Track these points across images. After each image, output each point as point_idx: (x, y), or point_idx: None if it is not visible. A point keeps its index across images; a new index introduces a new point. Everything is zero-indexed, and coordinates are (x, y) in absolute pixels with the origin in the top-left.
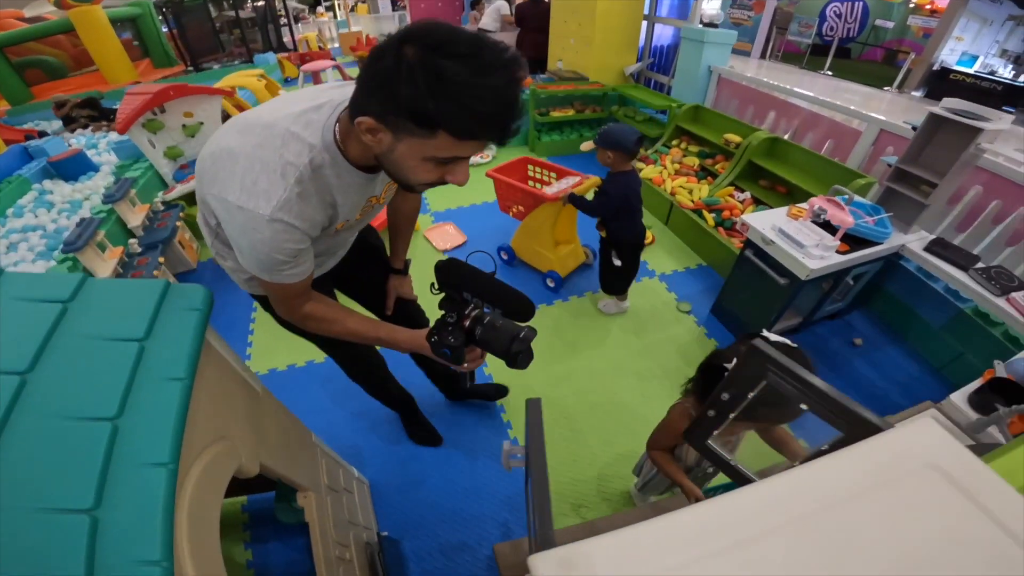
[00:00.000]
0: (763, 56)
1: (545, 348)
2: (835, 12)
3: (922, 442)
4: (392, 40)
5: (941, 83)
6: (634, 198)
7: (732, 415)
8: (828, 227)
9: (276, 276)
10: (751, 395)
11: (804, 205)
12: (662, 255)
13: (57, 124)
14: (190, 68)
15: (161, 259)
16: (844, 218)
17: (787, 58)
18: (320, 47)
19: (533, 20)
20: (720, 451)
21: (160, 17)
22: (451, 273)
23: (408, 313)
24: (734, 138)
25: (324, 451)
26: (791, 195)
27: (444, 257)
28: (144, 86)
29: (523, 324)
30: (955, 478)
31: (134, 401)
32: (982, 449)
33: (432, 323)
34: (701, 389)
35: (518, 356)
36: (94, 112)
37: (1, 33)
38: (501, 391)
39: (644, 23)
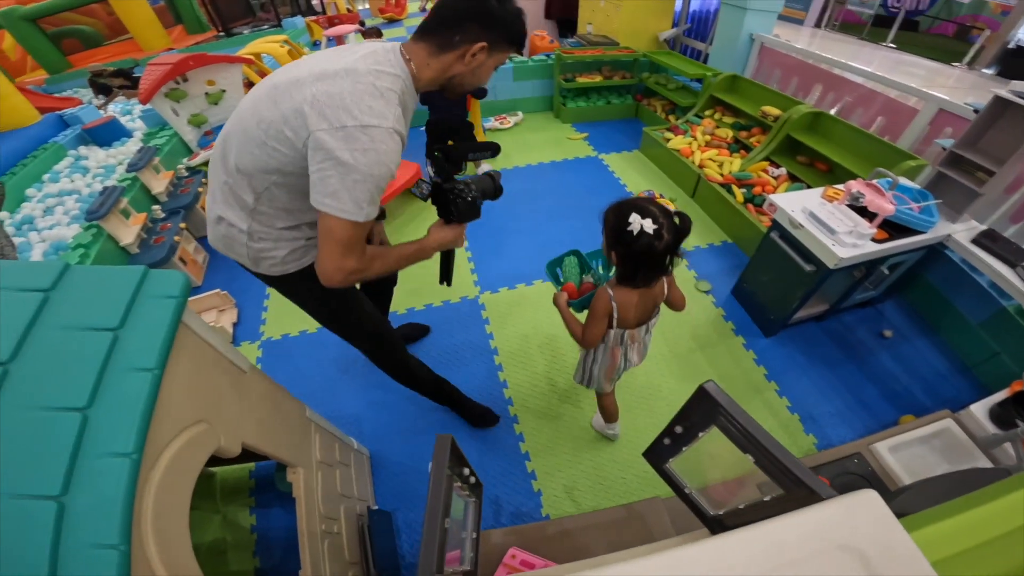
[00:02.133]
0: (818, 25)
1: (554, 315)
2: None
3: (854, 521)
4: (473, 3)
5: (1017, 61)
6: None
7: (685, 448)
8: (865, 212)
9: (367, 210)
10: (700, 436)
11: (841, 187)
12: None
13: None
14: (221, 34)
15: (183, 224)
16: (883, 205)
17: (845, 28)
18: (348, 10)
19: None
20: (677, 477)
21: None
22: (453, 158)
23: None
24: (773, 111)
25: (319, 425)
26: (832, 173)
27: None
28: (165, 56)
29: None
30: (871, 563)
31: (104, 391)
32: (984, 477)
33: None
34: (620, 271)
35: (502, 189)
36: (127, 81)
37: (36, 4)
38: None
39: None
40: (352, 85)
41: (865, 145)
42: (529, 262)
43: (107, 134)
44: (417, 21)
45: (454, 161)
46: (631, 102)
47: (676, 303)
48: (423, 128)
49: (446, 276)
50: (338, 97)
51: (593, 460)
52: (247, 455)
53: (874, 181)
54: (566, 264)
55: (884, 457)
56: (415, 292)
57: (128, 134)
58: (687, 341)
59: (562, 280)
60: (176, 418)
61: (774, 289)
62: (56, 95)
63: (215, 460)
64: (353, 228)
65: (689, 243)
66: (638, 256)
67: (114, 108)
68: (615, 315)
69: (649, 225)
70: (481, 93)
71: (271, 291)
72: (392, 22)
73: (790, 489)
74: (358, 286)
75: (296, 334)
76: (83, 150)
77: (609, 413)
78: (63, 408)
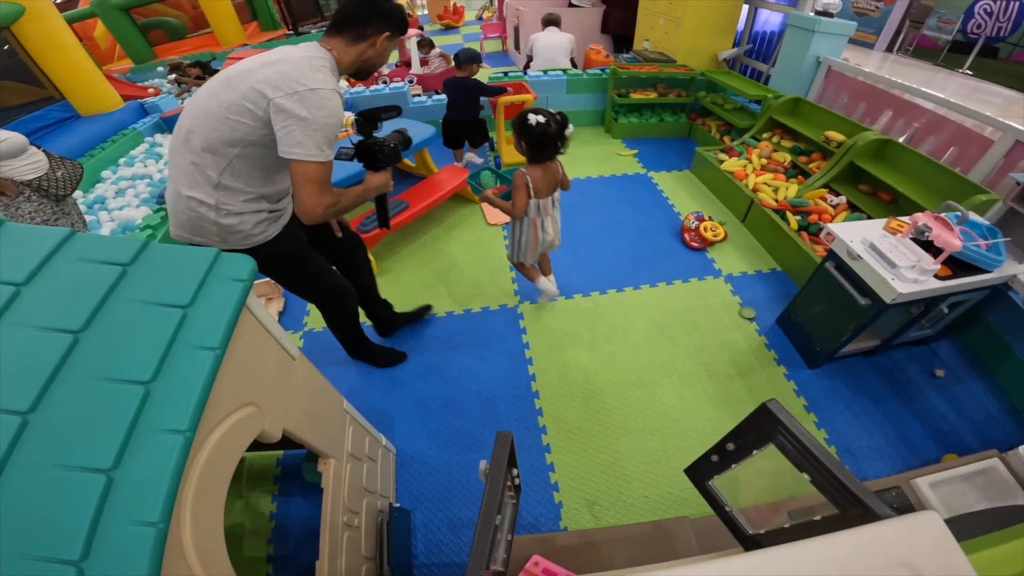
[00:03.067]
0: (889, 49)
1: (592, 330)
2: (985, 10)
3: (914, 540)
4: (368, 2)
5: None
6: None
7: (735, 465)
8: (930, 247)
9: (327, 152)
10: (754, 453)
11: (906, 219)
12: (732, 254)
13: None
14: (291, 32)
15: None
16: (950, 240)
17: (919, 53)
18: (409, 14)
19: None
20: (719, 495)
21: None
22: (369, 118)
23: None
24: (836, 136)
25: (354, 418)
26: (895, 204)
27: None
28: (238, 52)
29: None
30: None
31: (168, 367)
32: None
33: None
34: (528, 153)
35: (411, 140)
36: (203, 74)
37: None
38: (424, 310)
39: (745, 7)
40: (293, 65)
41: (934, 176)
42: (570, 276)
43: None
44: (473, 29)
45: (371, 119)
46: (685, 121)
47: (565, 182)
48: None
49: (383, 220)
50: (285, 74)
51: (618, 477)
52: (278, 442)
53: (942, 214)
54: (483, 176)
55: (924, 492)
56: (458, 299)
57: None
58: (726, 366)
59: (482, 188)
60: (228, 399)
61: (824, 321)
62: (139, 84)
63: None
64: (320, 168)
65: (736, 268)
66: (537, 139)
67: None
68: (531, 186)
69: (540, 119)
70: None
71: None
72: (449, 29)
73: (845, 508)
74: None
75: None
76: (158, 137)
77: (532, 276)
78: (128, 381)
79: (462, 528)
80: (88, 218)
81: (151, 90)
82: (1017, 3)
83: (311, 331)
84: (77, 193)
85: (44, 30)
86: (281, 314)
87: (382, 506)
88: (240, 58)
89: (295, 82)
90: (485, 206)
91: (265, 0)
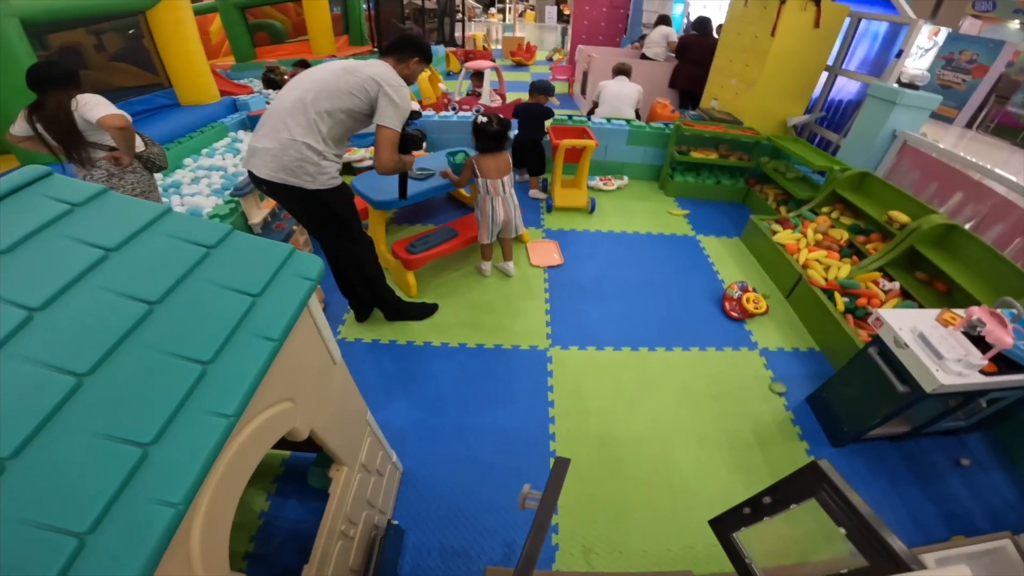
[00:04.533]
0: (969, 125)
1: (618, 383)
2: None
3: None
4: (407, 37)
5: None
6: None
7: (766, 518)
8: (980, 341)
9: (399, 126)
10: (792, 507)
11: (960, 312)
12: (772, 329)
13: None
14: (375, 49)
15: None
16: (1003, 338)
17: (1000, 131)
18: (484, 47)
19: (695, 52)
20: (742, 547)
21: None
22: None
23: None
24: (900, 217)
25: (373, 430)
26: (950, 295)
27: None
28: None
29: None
30: None
31: (228, 351)
32: None
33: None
34: (477, 144)
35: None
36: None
37: None
38: (429, 309)
39: (824, 74)
40: (385, 69)
41: (996, 268)
42: (605, 327)
43: None
44: (543, 68)
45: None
46: (742, 186)
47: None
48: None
49: (403, 192)
50: (385, 74)
51: (619, 528)
52: (286, 442)
53: (998, 310)
54: (458, 155)
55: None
56: (490, 332)
57: None
58: (747, 436)
59: (453, 163)
60: (271, 392)
61: (856, 403)
62: (236, 81)
63: None
64: (396, 135)
65: (773, 343)
66: (481, 134)
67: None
68: (476, 168)
69: (484, 119)
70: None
71: None
72: (519, 66)
73: (875, 561)
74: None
75: (369, 341)
76: (241, 134)
77: (485, 255)
78: (188, 358)
79: (452, 556)
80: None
81: (259, 90)
82: None
83: (343, 339)
84: (156, 175)
85: (173, 19)
86: None
87: (379, 521)
88: None
89: (393, 79)
90: (530, 247)
91: (359, 18)
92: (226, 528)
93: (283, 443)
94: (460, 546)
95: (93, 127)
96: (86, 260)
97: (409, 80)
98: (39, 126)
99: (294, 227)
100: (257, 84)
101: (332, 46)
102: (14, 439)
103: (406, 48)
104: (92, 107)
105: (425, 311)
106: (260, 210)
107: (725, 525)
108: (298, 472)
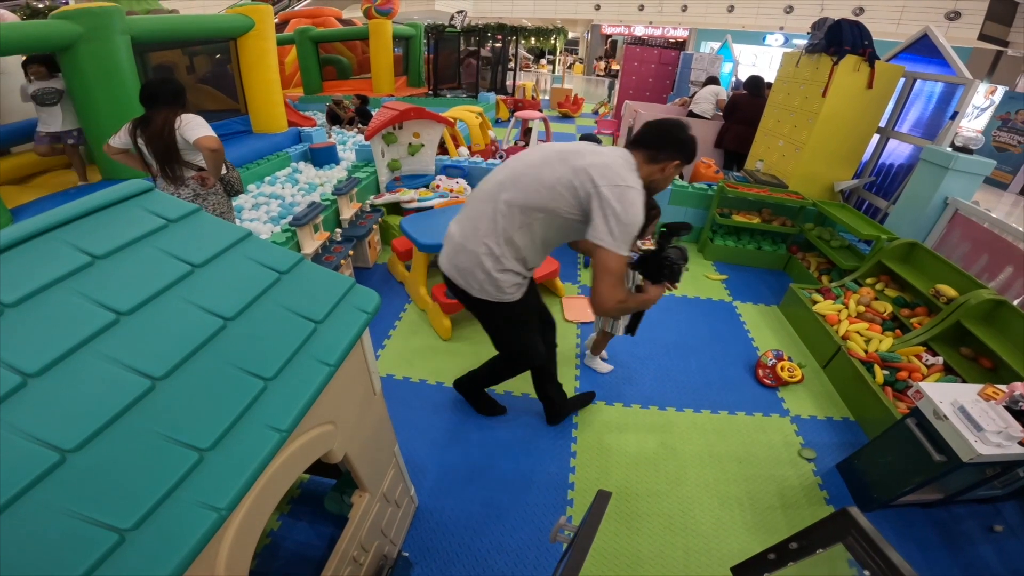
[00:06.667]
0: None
1: (643, 440)
2: None
3: None
4: (671, 130)
5: None
6: None
7: (791, 563)
8: (1022, 416)
9: (626, 249)
10: (818, 552)
11: (1003, 387)
12: (805, 397)
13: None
14: (430, 92)
15: (351, 252)
16: None
17: None
18: (533, 96)
19: (744, 112)
20: None
21: (425, 41)
22: (673, 232)
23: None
24: (948, 291)
25: (398, 462)
26: (995, 372)
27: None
28: (395, 103)
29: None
30: None
31: (289, 370)
32: None
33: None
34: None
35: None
36: (363, 106)
37: (324, 29)
38: (589, 396)
39: (876, 136)
40: (615, 161)
41: None
42: (634, 386)
43: (324, 157)
44: (588, 121)
45: (673, 233)
46: (784, 252)
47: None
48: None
49: (633, 327)
50: (610, 167)
51: None
52: (316, 466)
53: None
54: None
55: None
56: (519, 381)
57: (338, 161)
58: (771, 498)
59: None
60: (319, 413)
61: (890, 470)
62: (303, 113)
63: None
64: (621, 262)
65: (805, 411)
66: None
67: (335, 136)
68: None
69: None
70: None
71: (395, 332)
72: (565, 117)
73: None
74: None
75: (400, 378)
76: (301, 165)
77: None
78: (253, 373)
79: None
80: None
81: (316, 123)
82: None
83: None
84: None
85: (259, 49)
86: None
87: (388, 551)
88: (395, 108)
89: (618, 176)
90: (566, 302)
91: (418, 61)
92: (254, 540)
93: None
94: None
95: (189, 146)
96: (174, 273)
97: (657, 188)
98: (141, 140)
99: (342, 261)
100: (320, 117)
101: (392, 86)
102: (80, 433)
103: (667, 145)
104: (193, 127)
105: (584, 401)
106: (314, 241)
107: (748, 572)
108: (314, 496)
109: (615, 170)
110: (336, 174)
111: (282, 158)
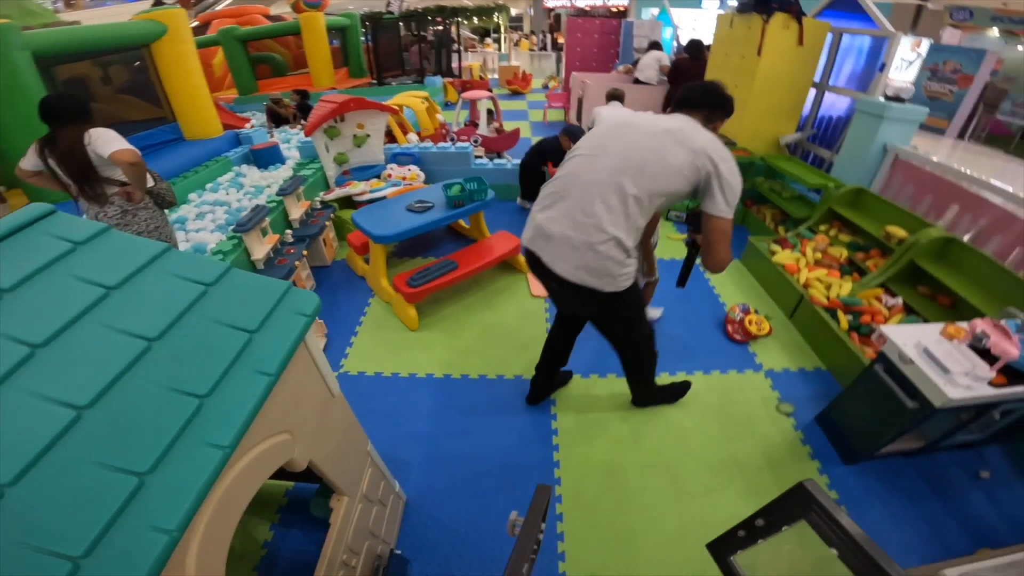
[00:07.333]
0: (961, 136)
1: (622, 410)
2: None
3: None
4: (712, 87)
5: None
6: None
7: (761, 541)
8: (987, 354)
9: (736, 201)
10: (784, 529)
11: (964, 325)
12: (776, 350)
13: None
14: (374, 81)
15: (305, 252)
16: (1008, 349)
17: (992, 140)
18: (481, 77)
19: (687, 76)
20: (740, 571)
21: (363, 30)
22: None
23: None
24: (898, 232)
25: (374, 460)
26: (955, 309)
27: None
28: (333, 95)
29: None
30: None
31: (225, 385)
32: None
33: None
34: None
35: None
36: (304, 101)
37: (250, 27)
38: (682, 389)
39: (812, 91)
40: (709, 137)
41: (997, 280)
42: (608, 355)
43: (268, 157)
44: (539, 96)
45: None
46: (739, 207)
47: None
48: None
49: (684, 280)
50: (715, 143)
51: (627, 555)
52: (289, 474)
53: (1002, 321)
54: (453, 187)
55: None
56: (493, 364)
57: (283, 161)
58: (757, 459)
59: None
60: (268, 424)
61: (867, 421)
62: (239, 114)
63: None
64: (731, 225)
65: (778, 364)
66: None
67: (278, 135)
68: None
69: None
70: None
71: (361, 328)
72: (515, 94)
73: None
74: None
75: (372, 374)
76: (244, 168)
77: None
78: (185, 392)
79: None
80: None
81: (251, 123)
82: None
83: (346, 373)
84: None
85: (177, 53)
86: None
87: (382, 551)
88: (333, 101)
89: (724, 151)
90: (531, 277)
91: (357, 50)
92: (222, 555)
93: (287, 474)
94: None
95: (105, 162)
96: (88, 298)
97: None
98: (51, 161)
99: (296, 262)
100: (259, 117)
101: (332, 78)
102: (13, 467)
103: (718, 106)
104: (105, 141)
105: (678, 392)
106: (263, 245)
107: (722, 549)
108: (302, 502)
109: (719, 146)
110: (282, 174)
111: (222, 163)
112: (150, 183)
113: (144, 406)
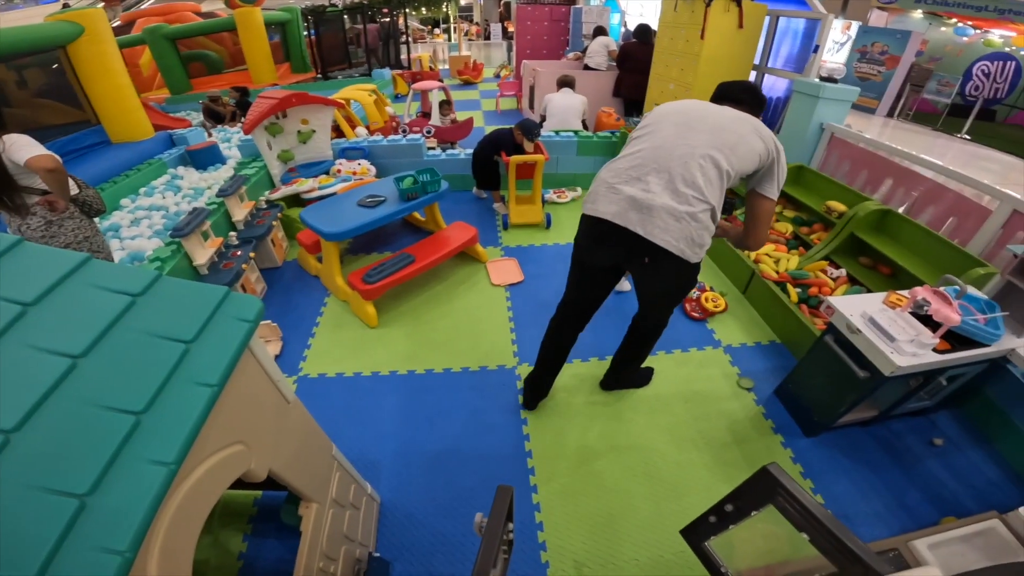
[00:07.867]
0: (891, 115)
1: (589, 394)
2: (983, 71)
3: None
4: (749, 85)
5: None
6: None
7: (732, 526)
8: (929, 321)
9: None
10: (753, 515)
11: (905, 293)
12: (732, 326)
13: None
14: (319, 76)
15: (252, 254)
16: (949, 315)
17: (919, 118)
18: (431, 67)
19: (636, 60)
20: (716, 556)
21: (304, 24)
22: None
23: None
24: (838, 206)
25: (341, 464)
26: (895, 277)
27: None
28: (272, 91)
29: None
30: None
31: (163, 399)
32: None
33: None
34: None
35: None
36: (244, 98)
37: (179, 25)
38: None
39: (752, 73)
40: (764, 126)
41: (933, 248)
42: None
43: (206, 158)
44: (491, 86)
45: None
46: None
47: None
48: None
49: None
50: (775, 138)
51: (608, 539)
52: (259, 482)
53: (941, 288)
54: (406, 180)
55: (922, 553)
56: (456, 356)
57: (223, 161)
58: (723, 434)
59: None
60: (219, 436)
61: (822, 392)
62: (172, 115)
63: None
64: (773, 208)
65: (735, 339)
66: None
67: (217, 135)
68: None
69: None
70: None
71: (318, 330)
72: (467, 84)
73: (845, 567)
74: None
75: (333, 375)
76: (181, 170)
77: None
78: (120, 410)
79: None
80: None
81: (190, 124)
82: (1013, 64)
83: (306, 376)
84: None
85: (97, 53)
86: (278, 357)
87: (360, 555)
88: (273, 97)
89: (777, 140)
90: (490, 266)
91: (299, 45)
92: (186, 569)
93: (254, 483)
94: (449, 573)
95: (23, 170)
96: (3, 317)
97: None
98: None
99: (243, 265)
100: (196, 116)
101: (273, 74)
102: None
103: (759, 104)
104: (19, 148)
105: (646, 376)
106: (205, 250)
107: (696, 534)
108: (272, 511)
109: (772, 133)
110: (223, 174)
111: (155, 166)
112: (74, 190)
113: (76, 426)
